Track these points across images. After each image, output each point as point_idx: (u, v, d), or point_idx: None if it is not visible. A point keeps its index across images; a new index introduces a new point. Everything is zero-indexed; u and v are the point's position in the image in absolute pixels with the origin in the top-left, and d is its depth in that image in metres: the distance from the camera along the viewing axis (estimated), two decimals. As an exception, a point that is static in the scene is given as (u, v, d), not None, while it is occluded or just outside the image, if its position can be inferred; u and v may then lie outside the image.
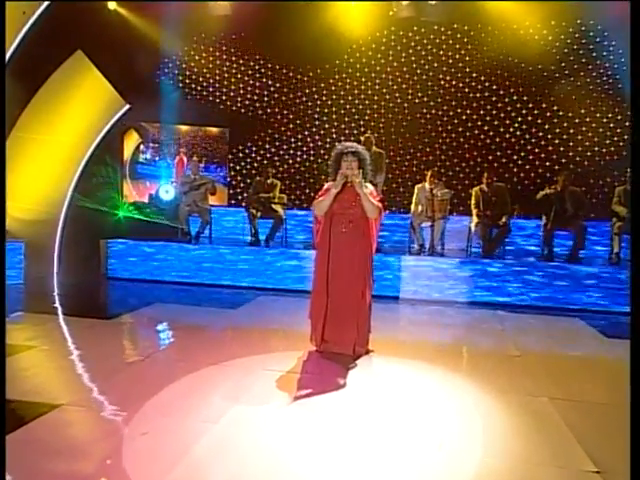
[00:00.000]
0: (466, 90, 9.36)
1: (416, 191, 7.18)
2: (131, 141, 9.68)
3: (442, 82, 9.52)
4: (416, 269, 6.59)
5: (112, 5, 9.07)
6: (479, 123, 9.33)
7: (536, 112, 8.95)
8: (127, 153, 9.58)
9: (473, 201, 7.06)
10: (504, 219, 6.77)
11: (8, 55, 6.39)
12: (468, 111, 9.36)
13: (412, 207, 7.17)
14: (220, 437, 2.58)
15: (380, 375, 3.66)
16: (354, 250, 3.92)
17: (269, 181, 7.67)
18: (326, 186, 4.03)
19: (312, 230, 4.44)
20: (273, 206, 7.55)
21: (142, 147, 9.76)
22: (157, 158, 9.84)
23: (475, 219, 6.96)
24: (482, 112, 9.31)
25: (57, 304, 5.64)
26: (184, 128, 10.09)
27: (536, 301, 6.26)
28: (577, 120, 8.74)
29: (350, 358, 3.89)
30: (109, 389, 3.13)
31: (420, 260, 6.67)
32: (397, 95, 9.77)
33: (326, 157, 9.98)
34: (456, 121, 9.41)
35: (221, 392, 3.14)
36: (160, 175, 9.69)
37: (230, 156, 10.24)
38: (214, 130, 10.21)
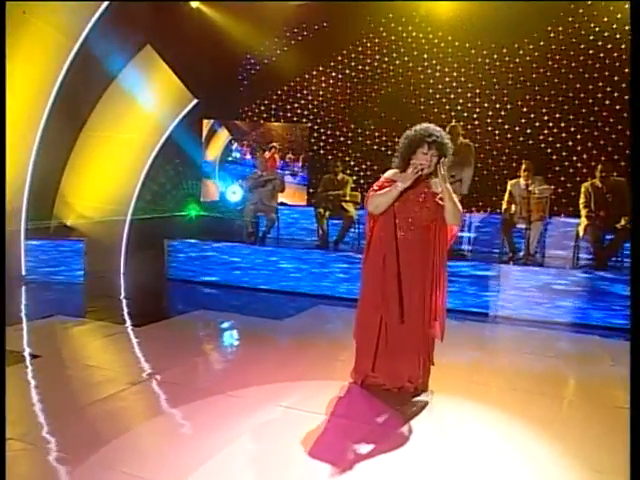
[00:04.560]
0: (580, 70, 7.95)
1: (509, 188, 6.07)
2: (215, 138, 9.46)
3: (550, 62, 8.18)
4: (507, 280, 5.46)
5: (195, 4, 8.95)
6: (596, 108, 7.86)
7: (670, 92, 7.30)
8: (213, 151, 9.38)
9: (582, 199, 5.83)
10: (623, 221, 5.44)
11: (75, 50, 6.28)
12: (582, 94, 7.93)
13: (504, 206, 6.05)
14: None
15: (432, 428, 2.71)
16: (417, 264, 3.00)
17: (339, 177, 6.92)
18: (387, 174, 3.07)
19: (364, 229, 3.50)
20: (344, 205, 6.79)
21: (231, 145, 9.52)
22: (246, 156, 9.52)
23: (584, 221, 5.70)
24: (600, 95, 7.84)
25: (95, 307, 5.34)
26: (263, 124, 9.69)
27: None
28: None
29: (398, 398, 3.02)
30: (69, 423, 2.55)
31: (513, 269, 5.53)
32: (495, 80, 8.57)
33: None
34: (566, 107, 8.03)
35: (203, 437, 2.43)
36: (240, 172, 9.33)
37: (310, 153, 9.68)
38: (294, 126, 9.69)
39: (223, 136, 9.50)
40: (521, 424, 2.77)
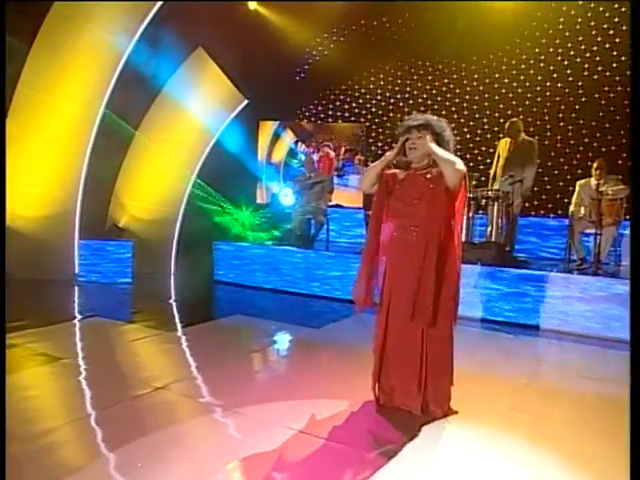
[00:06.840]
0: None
1: (577, 188, 5.46)
2: (270, 140, 9.40)
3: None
4: (572, 291, 4.87)
5: (252, 4, 8.94)
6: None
7: None
8: (269, 152, 9.33)
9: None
10: None
11: (127, 53, 6.36)
12: (670, 84, 7.06)
13: (571, 208, 5.45)
14: None
15: (446, 462, 2.33)
16: (422, 268, 2.67)
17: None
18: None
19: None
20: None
21: (290, 147, 9.44)
22: (294, 158, 9.40)
23: (668, 226, 4.98)
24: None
25: (137, 308, 5.33)
26: (319, 124, 9.51)
27: None
28: None
29: (416, 421, 2.67)
30: (59, 439, 2.43)
31: (580, 279, 4.93)
32: (568, 72, 7.90)
33: (475, 150, 8.52)
34: (651, 98, 7.17)
35: (191, 459, 2.22)
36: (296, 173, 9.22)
37: (367, 153, 9.38)
38: (351, 126, 9.43)
39: (280, 137, 9.41)
40: (573, 470, 2.31)
